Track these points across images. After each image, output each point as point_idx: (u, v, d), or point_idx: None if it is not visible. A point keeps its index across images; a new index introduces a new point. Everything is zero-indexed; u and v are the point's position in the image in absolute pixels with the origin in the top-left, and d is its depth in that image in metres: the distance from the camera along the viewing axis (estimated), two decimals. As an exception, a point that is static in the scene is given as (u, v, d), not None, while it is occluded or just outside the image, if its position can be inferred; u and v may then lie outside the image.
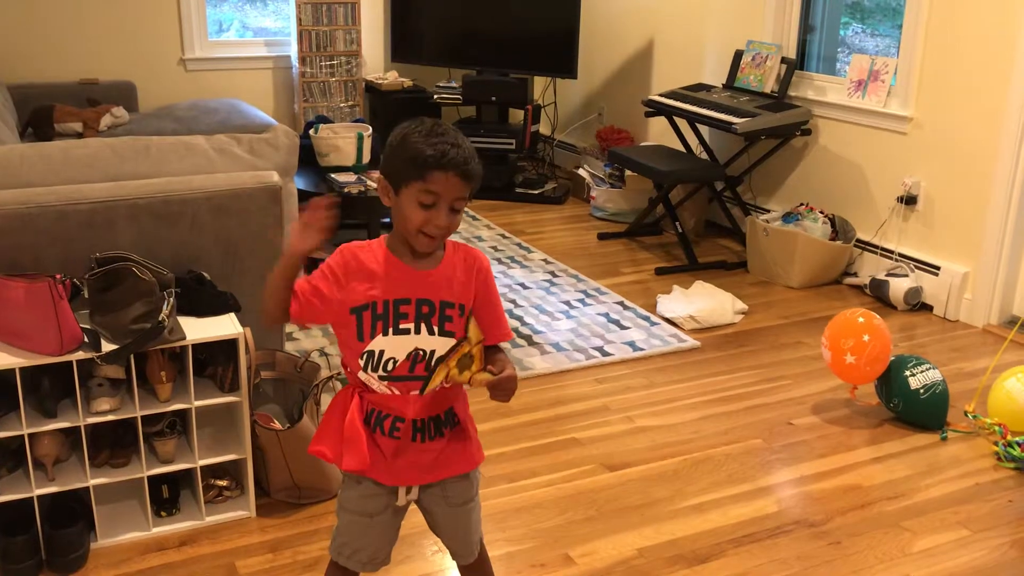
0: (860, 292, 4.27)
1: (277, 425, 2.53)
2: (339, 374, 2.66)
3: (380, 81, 6.11)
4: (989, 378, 3.25)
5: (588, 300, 4.10)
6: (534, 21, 5.61)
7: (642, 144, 5.40)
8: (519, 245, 4.82)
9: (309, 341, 3.55)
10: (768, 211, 4.71)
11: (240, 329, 2.36)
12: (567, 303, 4.06)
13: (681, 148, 4.97)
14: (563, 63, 5.53)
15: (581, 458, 2.84)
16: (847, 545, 2.45)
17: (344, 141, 4.36)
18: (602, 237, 5.02)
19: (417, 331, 1.63)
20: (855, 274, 4.39)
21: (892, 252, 4.22)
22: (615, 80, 5.89)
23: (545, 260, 4.60)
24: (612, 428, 3.03)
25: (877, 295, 4.16)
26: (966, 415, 3.10)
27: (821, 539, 2.47)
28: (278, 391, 2.73)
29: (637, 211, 5.15)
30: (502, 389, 1.63)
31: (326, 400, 2.64)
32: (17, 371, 2.14)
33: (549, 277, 4.37)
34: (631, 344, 3.65)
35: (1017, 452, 2.84)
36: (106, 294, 2.29)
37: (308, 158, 4.30)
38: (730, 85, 4.82)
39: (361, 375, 1.66)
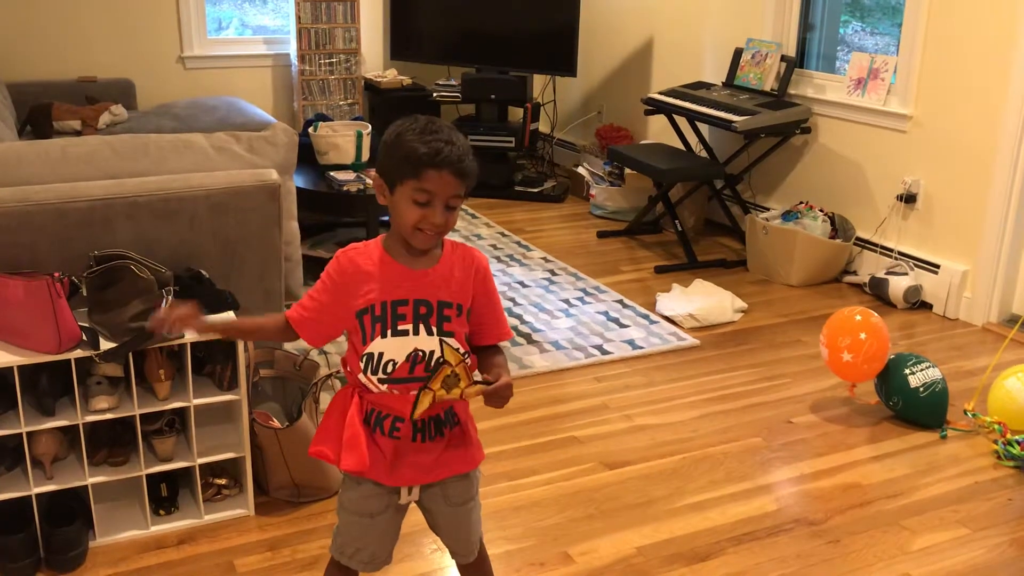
0: (860, 290, 4.27)
1: (276, 423, 2.53)
2: (338, 372, 2.65)
3: (379, 79, 6.11)
4: (989, 377, 3.25)
5: (587, 298, 4.09)
6: (533, 19, 5.60)
7: (642, 142, 5.39)
8: (518, 243, 4.82)
9: (308, 339, 3.54)
10: (768, 209, 4.70)
11: (239, 327, 2.36)
12: (566, 301, 4.06)
13: (681, 146, 4.97)
14: (562, 61, 5.53)
15: (580, 456, 2.84)
16: (846, 544, 2.45)
17: (343, 139, 4.35)
18: (601, 235, 5.01)
19: (416, 332, 1.63)
20: (855, 272, 4.39)
21: (892, 250, 4.22)
22: (615, 78, 5.88)
23: (544, 258, 4.59)
24: (611, 426, 3.03)
25: (876, 293, 4.16)
26: (966, 414, 3.10)
27: (820, 538, 2.47)
28: (277, 389, 2.73)
29: (636, 209, 5.15)
30: (498, 397, 1.62)
31: (325, 398, 2.64)
32: (15, 369, 2.14)
33: (548, 275, 4.37)
34: (630, 342, 3.65)
35: (1017, 451, 2.84)
36: (104, 292, 2.28)
37: (307, 156, 4.30)
38: (730, 83, 4.82)
39: (361, 377, 1.65)
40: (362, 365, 1.64)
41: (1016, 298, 3.90)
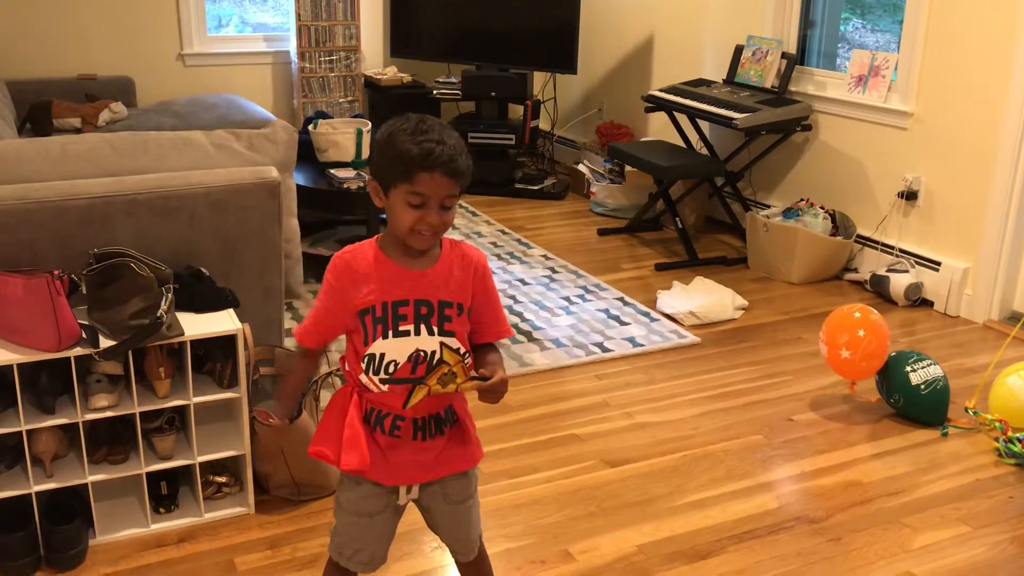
0: (860, 288, 4.27)
1: (276, 421, 2.52)
2: (338, 370, 2.65)
3: (379, 76, 6.10)
4: (990, 374, 3.24)
5: (588, 296, 4.09)
6: (534, 16, 5.59)
7: (642, 139, 5.39)
8: (519, 241, 4.81)
9: (308, 337, 3.54)
10: (768, 207, 4.70)
11: (239, 325, 2.35)
12: (567, 299, 4.05)
13: (681, 143, 4.96)
14: (563, 58, 5.52)
15: (581, 454, 2.84)
16: (847, 541, 2.44)
17: (343, 137, 4.35)
18: (602, 233, 5.01)
19: (417, 332, 1.62)
20: (855, 270, 4.38)
21: (892, 248, 4.21)
22: (615, 75, 5.88)
23: (545, 256, 4.59)
24: (612, 424, 3.02)
25: (877, 291, 4.15)
26: (967, 411, 3.10)
27: (821, 535, 2.47)
28: (277, 387, 2.73)
29: (637, 207, 5.14)
30: (493, 393, 1.62)
31: (325, 396, 2.64)
32: (15, 367, 2.14)
33: (549, 273, 4.36)
34: (631, 340, 3.64)
35: (1018, 448, 2.84)
36: (104, 290, 2.28)
37: (307, 154, 4.29)
38: (730, 80, 4.81)
39: (362, 378, 1.65)
40: (363, 366, 1.63)
41: (1017, 295, 3.90)
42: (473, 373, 1.64)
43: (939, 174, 4.01)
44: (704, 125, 4.92)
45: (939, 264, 4.00)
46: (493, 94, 5.68)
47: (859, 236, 4.36)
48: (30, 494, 2.25)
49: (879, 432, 3.02)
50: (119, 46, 5.60)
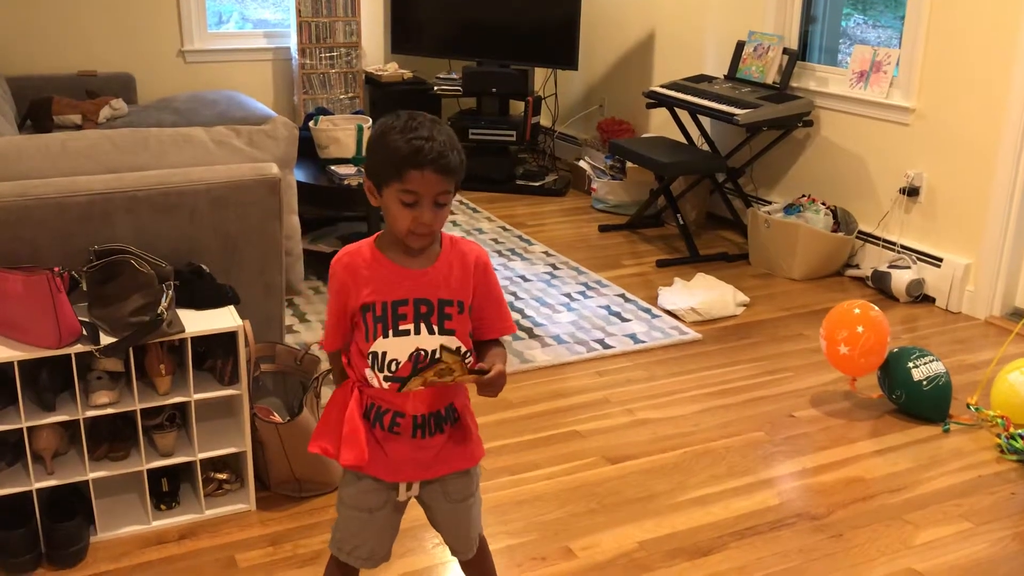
0: (862, 284, 4.26)
1: (277, 418, 2.53)
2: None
3: (380, 73, 6.09)
4: (992, 371, 3.24)
5: (589, 292, 4.09)
6: (535, 12, 5.58)
7: (643, 136, 5.38)
8: (520, 237, 4.81)
9: (309, 334, 3.54)
10: (770, 203, 4.69)
11: (239, 322, 2.35)
12: (568, 295, 4.05)
13: (682, 140, 4.95)
14: (564, 54, 5.51)
15: (582, 451, 2.83)
16: (849, 538, 2.44)
17: (344, 133, 4.34)
18: (603, 229, 5.00)
19: (417, 331, 1.62)
20: (857, 266, 4.38)
21: (894, 244, 4.20)
22: (616, 71, 5.87)
23: (546, 252, 4.59)
24: (613, 421, 3.02)
25: (879, 287, 4.15)
26: (969, 407, 3.09)
27: (823, 532, 2.46)
28: (278, 384, 2.73)
29: (638, 203, 5.13)
30: (490, 386, 1.61)
31: (326, 393, 2.63)
32: (15, 364, 2.13)
33: (550, 269, 4.36)
34: (632, 336, 3.64)
35: (1020, 444, 2.83)
36: (104, 287, 2.28)
37: (308, 150, 4.28)
38: (732, 76, 4.80)
39: (367, 372, 1.65)
40: (368, 363, 1.63)
41: (1019, 291, 3.89)
42: (468, 360, 1.63)
43: (941, 170, 4.00)
44: (705, 121, 4.91)
45: (941, 260, 4.00)
46: (494, 90, 5.67)
47: (861, 232, 4.36)
48: (31, 491, 2.25)
49: (881, 428, 3.02)
50: (120, 43, 5.59)
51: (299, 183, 3.37)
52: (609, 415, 3.05)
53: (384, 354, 1.62)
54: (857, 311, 3.09)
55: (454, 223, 5.00)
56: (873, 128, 4.27)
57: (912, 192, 4.11)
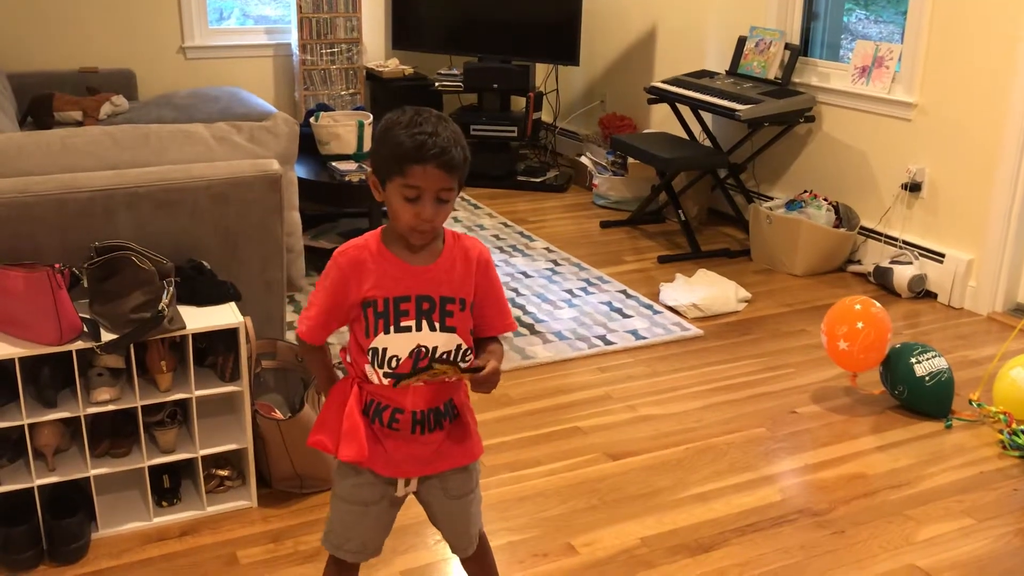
0: (864, 280, 4.25)
1: (278, 415, 2.53)
2: (339, 363, 2.64)
3: (381, 69, 6.09)
4: (994, 366, 3.23)
5: (590, 289, 4.08)
6: (536, 7, 5.57)
7: (645, 131, 5.37)
8: (521, 234, 4.80)
9: (310, 330, 3.53)
10: (771, 198, 4.68)
11: (240, 318, 2.35)
12: (569, 292, 4.04)
13: (684, 135, 4.95)
14: (565, 50, 5.50)
15: (584, 447, 2.83)
16: (851, 534, 2.44)
17: (345, 129, 4.34)
18: (604, 225, 5.00)
19: (419, 328, 1.61)
20: (859, 262, 4.37)
21: (896, 239, 4.20)
22: (617, 67, 5.86)
23: (547, 249, 4.58)
24: (615, 417, 3.02)
25: (881, 283, 4.14)
26: (971, 403, 3.09)
27: (825, 528, 2.46)
28: (279, 380, 2.72)
29: (640, 199, 5.13)
30: (484, 383, 1.61)
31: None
32: (16, 361, 2.13)
33: (551, 266, 4.35)
34: (634, 333, 3.63)
35: (1022, 440, 2.83)
36: (105, 283, 2.27)
37: (308, 146, 4.28)
38: (733, 71, 4.79)
39: (367, 368, 1.64)
40: (368, 359, 1.63)
41: (1022, 287, 3.88)
42: (463, 365, 1.63)
43: (943, 165, 3.99)
44: (707, 117, 4.90)
45: (943, 256, 3.99)
46: (495, 86, 5.66)
47: (862, 228, 4.35)
48: (32, 488, 2.25)
49: (883, 424, 3.01)
50: (120, 39, 5.59)
51: (300, 179, 3.36)
52: (611, 411, 3.05)
53: (385, 350, 1.62)
54: (858, 307, 3.08)
55: (455, 219, 4.99)
56: (875, 123, 4.26)
57: (914, 188, 4.10)
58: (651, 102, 4.95)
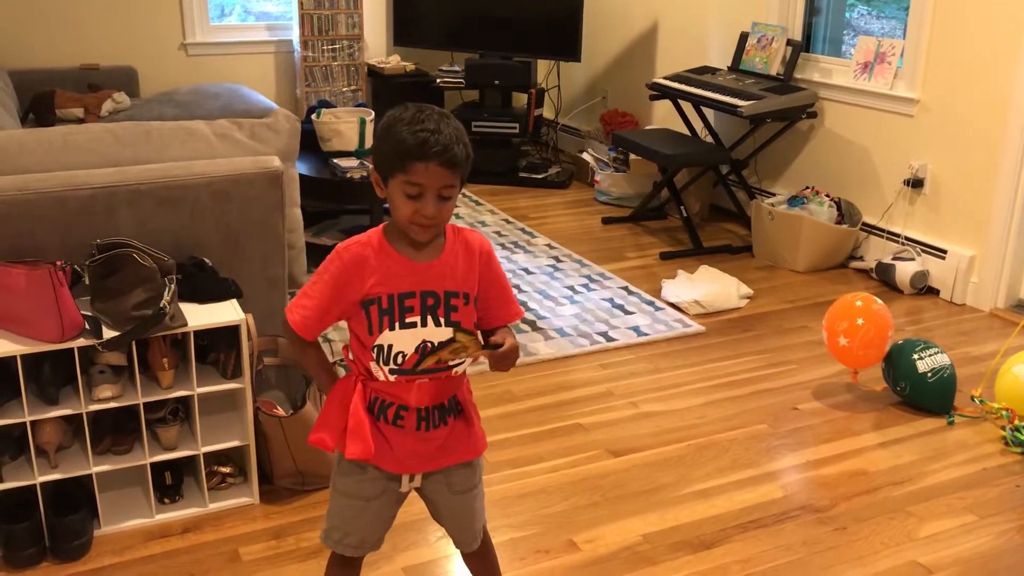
0: (866, 276, 4.25)
1: (280, 411, 2.53)
2: (341, 360, 2.65)
3: (382, 65, 6.08)
4: (997, 363, 3.23)
5: (592, 285, 4.08)
6: (537, 3, 5.57)
7: (646, 128, 5.37)
8: (523, 230, 4.80)
9: (312, 327, 3.53)
10: (773, 195, 4.68)
11: (242, 315, 2.35)
12: (571, 288, 4.04)
13: (686, 131, 4.94)
14: (567, 46, 5.50)
15: (585, 444, 2.83)
16: (853, 530, 2.44)
17: (346, 126, 4.33)
18: (606, 222, 4.99)
19: (424, 324, 1.61)
20: (861, 258, 4.36)
21: (898, 236, 4.19)
22: (619, 63, 5.85)
23: (549, 245, 4.58)
24: (616, 414, 3.02)
25: (883, 279, 4.14)
26: (973, 400, 3.09)
27: (827, 524, 2.46)
28: (281, 377, 2.72)
29: (641, 195, 5.12)
30: (504, 360, 1.62)
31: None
32: (18, 358, 2.14)
33: (553, 262, 4.35)
34: (635, 329, 3.63)
35: (1024, 437, 2.83)
36: (107, 280, 2.27)
37: (310, 143, 4.28)
38: (735, 68, 4.79)
39: (372, 366, 1.64)
40: (373, 356, 1.63)
41: (1024, 283, 3.88)
42: (482, 342, 1.64)
43: (945, 161, 3.99)
44: (709, 113, 4.89)
45: (945, 252, 3.99)
46: (497, 82, 5.65)
47: (865, 224, 4.34)
48: (35, 485, 2.25)
49: (885, 421, 3.01)
50: (122, 36, 5.59)
51: (301, 176, 3.36)
52: (613, 408, 3.05)
53: (390, 347, 1.62)
54: (859, 303, 3.08)
55: (457, 216, 4.99)
56: (877, 119, 4.25)
57: (916, 184, 4.09)
58: (653, 98, 4.95)
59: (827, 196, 4.34)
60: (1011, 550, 2.37)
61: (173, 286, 2.27)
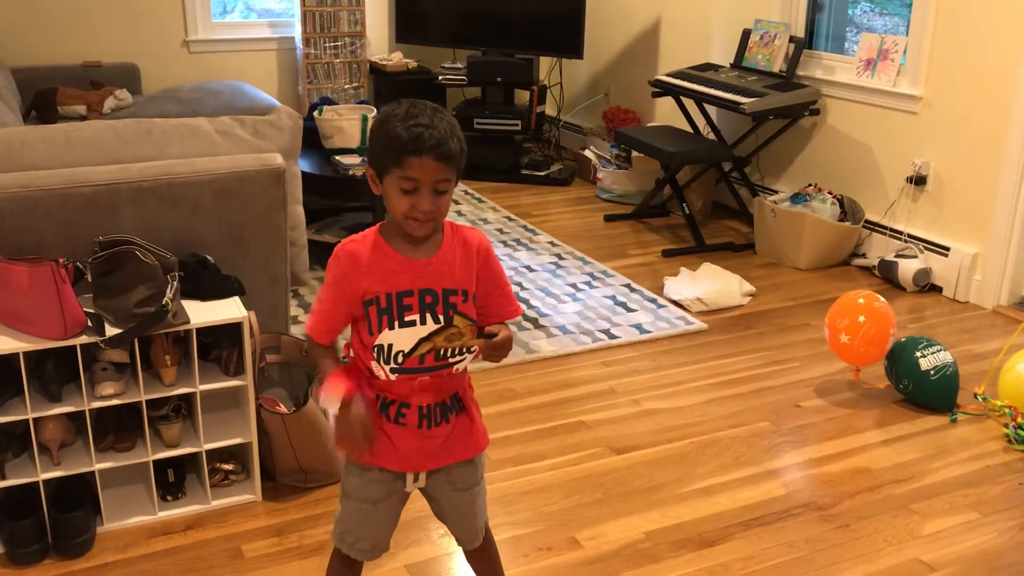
0: (869, 273, 4.25)
1: (283, 409, 2.53)
2: (343, 358, 2.64)
3: (385, 62, 6.08)
4: (1000, 360, 3.23)
5: (595, 283, 4.08)
6: (539, 0, 5.56)
7: (649, 125, 5.36)
8: (525, 227, 4.80)
9: (314, 324, 3.53)
10: (776, 192, 4.67)
11: (244, 312, 2.35)
12: (573, 286, 4.04)
13: (688, 129, 4.93)
14: (569, 43, 5.49)
15: (588, 441, 2.83)
16: (855, 528, 2.44)
17: (348, 123, 4.33)
18: (609, 219, 4.99)
19: (423, 322, 1.61)
20: (864, 255, 4.36)
21: (901, 233, 4.19)
22: (622, 60, 5.84)
23: (551, 242, 4.58)
24: (619, 411, 3.01)
25: (886, 276, 4.13)
26: (976, 397, 3.08)
27: (829, 522, 2.46)
28: (283, 375, 2.72)
29: (644, 193, 5.12)
30: (498, 349, 1.63)
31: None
32: (21, 355, 2.14)
33: (555, 260, 4.35)
34: (638, 327, 3.63)
35: (1027, 434, 2.82)
36: (109, 278, 2.28)
37: (312, 140, 4.28)
38: (738, 65, 4.78)
39: (373, 365, 1.64)
40: (374, 355, 1.63)
41: (1027, 281, 3.88)
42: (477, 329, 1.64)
43: (948, 159, 3.98)
44: (711, 110, 4.89)
45: (948, 249, 3.98)
46: (499, 79, 5.65)
47: (867, 221, 4.34)
48: (37, 482, 2.25)
49: (887, 418, 3.01)
50: (124, 33, 5.59)
51: (304, 173, 3.36)
52: (615, 405, 3.05)
53: (390, 346, 1.62)
54: (861, 301, 3.08)
55: (459, 213, 4.99)
56: (880, 117, 4.25)
57: (919, 181, 4.09)
58: (655, 95, 4.94)
59: (830, 193, 4.33)
60: (1014, 548, 2.37)
61: (175, 283, 2.27)
